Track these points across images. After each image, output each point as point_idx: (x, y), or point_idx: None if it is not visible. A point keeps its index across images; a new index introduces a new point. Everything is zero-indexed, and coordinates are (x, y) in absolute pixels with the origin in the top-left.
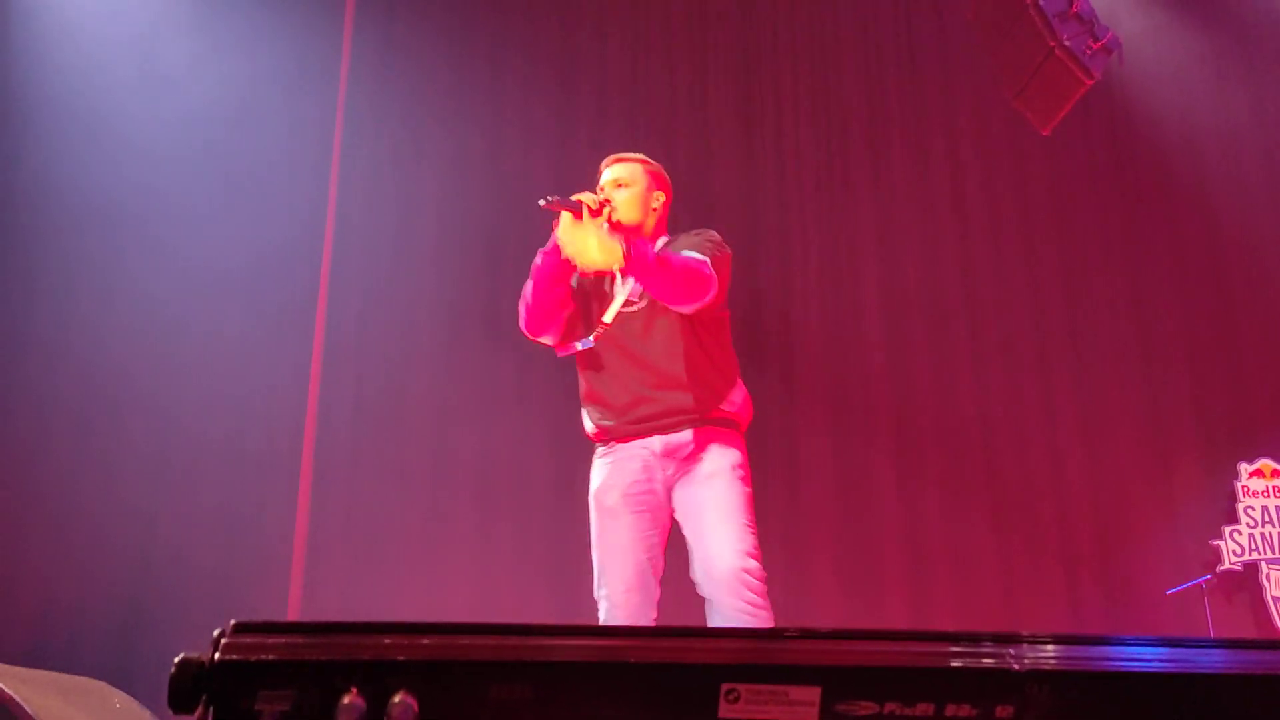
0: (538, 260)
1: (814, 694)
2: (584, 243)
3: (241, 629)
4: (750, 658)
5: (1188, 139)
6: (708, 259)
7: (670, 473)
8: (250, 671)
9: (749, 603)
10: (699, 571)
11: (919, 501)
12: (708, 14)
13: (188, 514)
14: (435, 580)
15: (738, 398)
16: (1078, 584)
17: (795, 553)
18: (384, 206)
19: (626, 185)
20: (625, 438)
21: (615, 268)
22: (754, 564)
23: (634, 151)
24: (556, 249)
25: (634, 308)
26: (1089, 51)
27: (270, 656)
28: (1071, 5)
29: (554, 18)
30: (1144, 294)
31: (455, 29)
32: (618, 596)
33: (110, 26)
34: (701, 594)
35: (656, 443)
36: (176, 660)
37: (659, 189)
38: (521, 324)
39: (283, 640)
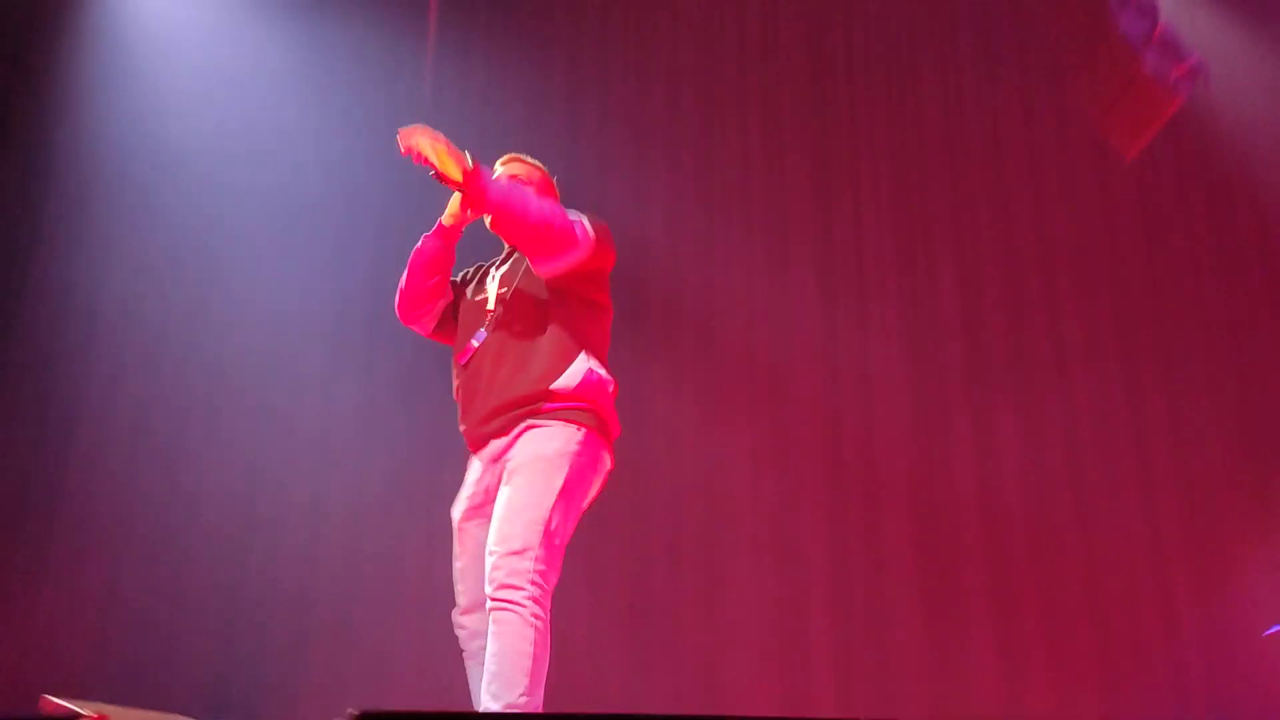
0: (419, 243)
1: None
2: (424, 142)
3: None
4: None
5: None
6: (583, 218)
7: (495, 483)
8: None
9: (499, 601)
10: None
11: (1002, 533)
12: (776, 45)
13: (274, 547)
14: None
15: (574, 381)
16: (1175, 621)
17: (876, 582)
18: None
19: (522, 180)
20: (472, 446)
21: (457, 177)
22: (518, 563)
23: None
24: (438, 231)
25: (506, 289)
26: (1173, 76)
27: None
28: (1154, 30)
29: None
30: (1238, 314)
31: (533, 61)
32: (456, 617)
33: (191, 37)
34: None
35: (486, 451)
36: None
37: (550, 196)
38: (395, 306)
39: None
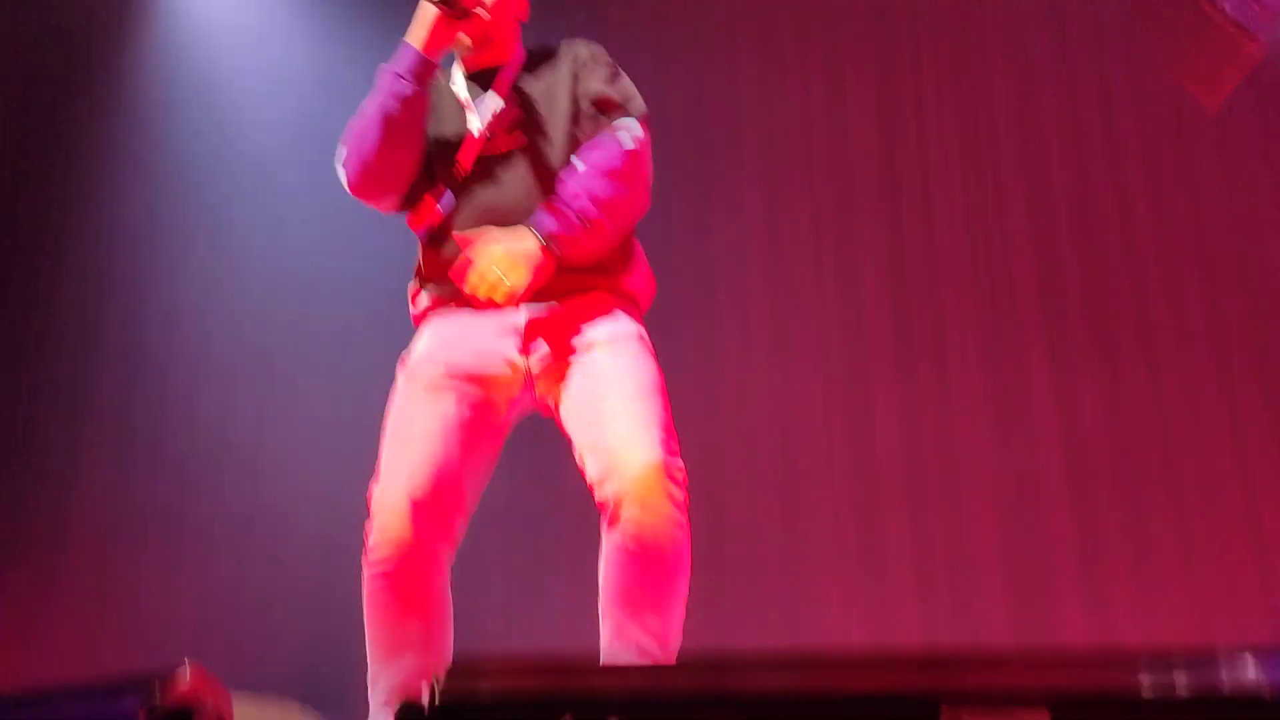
0: (390, 85)
1: (1042, 717)
2: (488, 269)
3: (455, 671)
4: (970, 682)
5: None
6: (631, 130)
7: (535, 357)
8: (468, 715)
9: (675, 506)
10: (598, 468)
11: (1086, 471)
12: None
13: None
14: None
15: (629, 263)
16: (1266, 545)
17: (958, 554)
18: None
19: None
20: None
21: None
22: (678, 461)
23: None
24: (419, 68)
25: (496, 151)
26: (1255, 19)
27: (485, 700)
28: None
29: None
30: None
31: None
32: (395, 509)
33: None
34: (600, 498)
35: (521, 315)
36: (398, 708)
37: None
38: (350, 179)
39: (495, 684)
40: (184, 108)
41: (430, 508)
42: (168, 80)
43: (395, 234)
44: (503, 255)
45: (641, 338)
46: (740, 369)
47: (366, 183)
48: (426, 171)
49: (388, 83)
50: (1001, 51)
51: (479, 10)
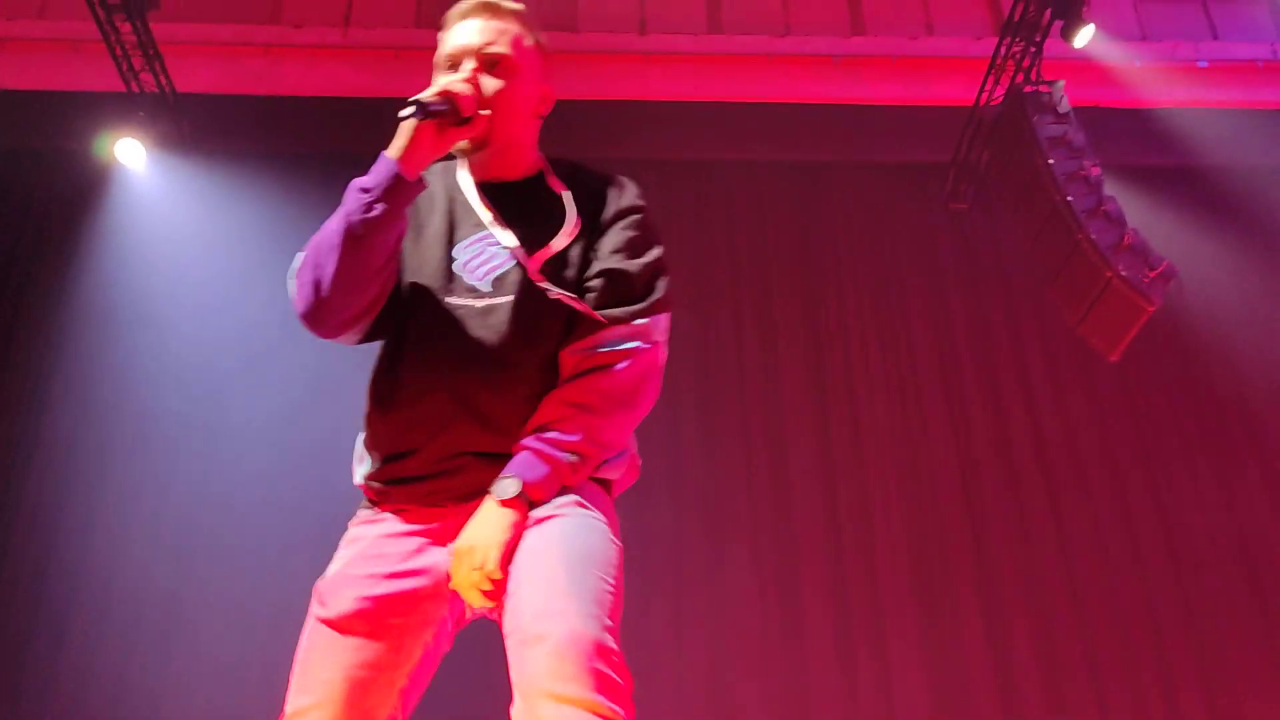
0: (357, 202)
1: None
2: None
3: None
4: None
5: (1262, 354)
6: (647, 338)
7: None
8: None
9: (605, 692)
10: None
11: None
12: (768, 253)
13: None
14: None
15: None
16: None
17: None
18: None
19: (502, 64)
20: (408, 506)
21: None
22: (612, 642)
23: None
24: (400, 189)
25: (481, 302)
26: (1146, 280)
27: None
28: (1123, 238)
29: None
30: (1239, 513)
31: None
32: None
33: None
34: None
35: (449, 518)
36: None
37: (547, 76)
38: (300, 305)
39: None
40: (126, 321)
41: None
42: (109, 293)
43: (327, 466)
44: (480, 562)
45: (587, 507)
46: (674, 627)
47: (318, 312)
48: (395, 300)
49: (353, 199)
50: (920, 312)
51: (482, 111)
